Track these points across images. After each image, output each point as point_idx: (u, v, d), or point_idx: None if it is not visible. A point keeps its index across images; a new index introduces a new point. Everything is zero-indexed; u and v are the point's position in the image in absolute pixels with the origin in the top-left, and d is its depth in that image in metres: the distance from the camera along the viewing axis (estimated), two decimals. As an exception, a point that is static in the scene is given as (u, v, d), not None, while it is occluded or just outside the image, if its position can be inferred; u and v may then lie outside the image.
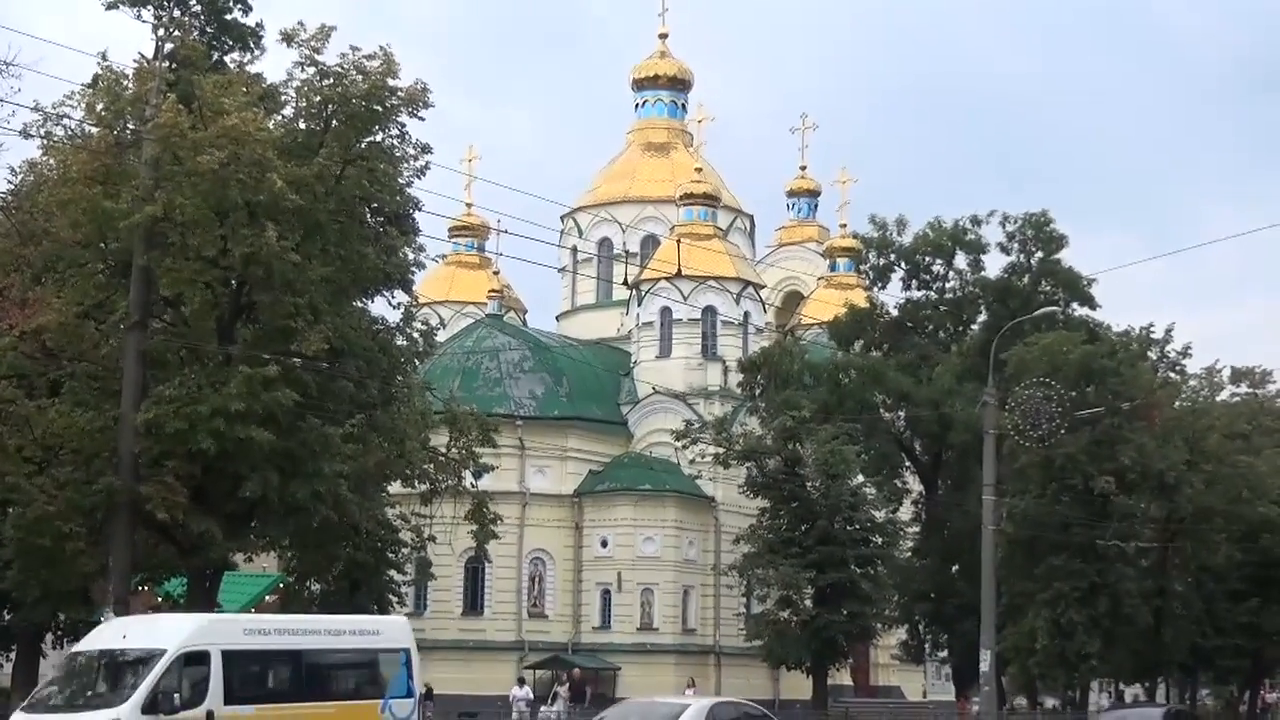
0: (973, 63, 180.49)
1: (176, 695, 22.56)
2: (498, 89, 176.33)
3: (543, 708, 47.02)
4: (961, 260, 59.08)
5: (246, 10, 31.48)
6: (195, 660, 23.13)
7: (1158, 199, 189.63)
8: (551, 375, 70.66)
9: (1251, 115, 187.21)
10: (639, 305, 73.49)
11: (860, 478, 47.46)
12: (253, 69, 30.65)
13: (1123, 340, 54.15)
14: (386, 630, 27.73)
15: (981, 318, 58.73)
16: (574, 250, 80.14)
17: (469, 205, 71.32)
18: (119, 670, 23.27)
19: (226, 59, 30.85)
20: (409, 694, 26.67)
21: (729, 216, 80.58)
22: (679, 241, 68.45)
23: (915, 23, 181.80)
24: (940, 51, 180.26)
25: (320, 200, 27.22)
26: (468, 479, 34.65)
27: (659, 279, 70.42)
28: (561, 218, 78.95)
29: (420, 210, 30.65)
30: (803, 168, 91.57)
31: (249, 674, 24.26)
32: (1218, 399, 59.56)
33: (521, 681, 48.86)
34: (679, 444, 57.93)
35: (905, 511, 56.53)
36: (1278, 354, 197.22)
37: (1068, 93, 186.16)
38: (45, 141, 27.90)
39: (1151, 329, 57.47)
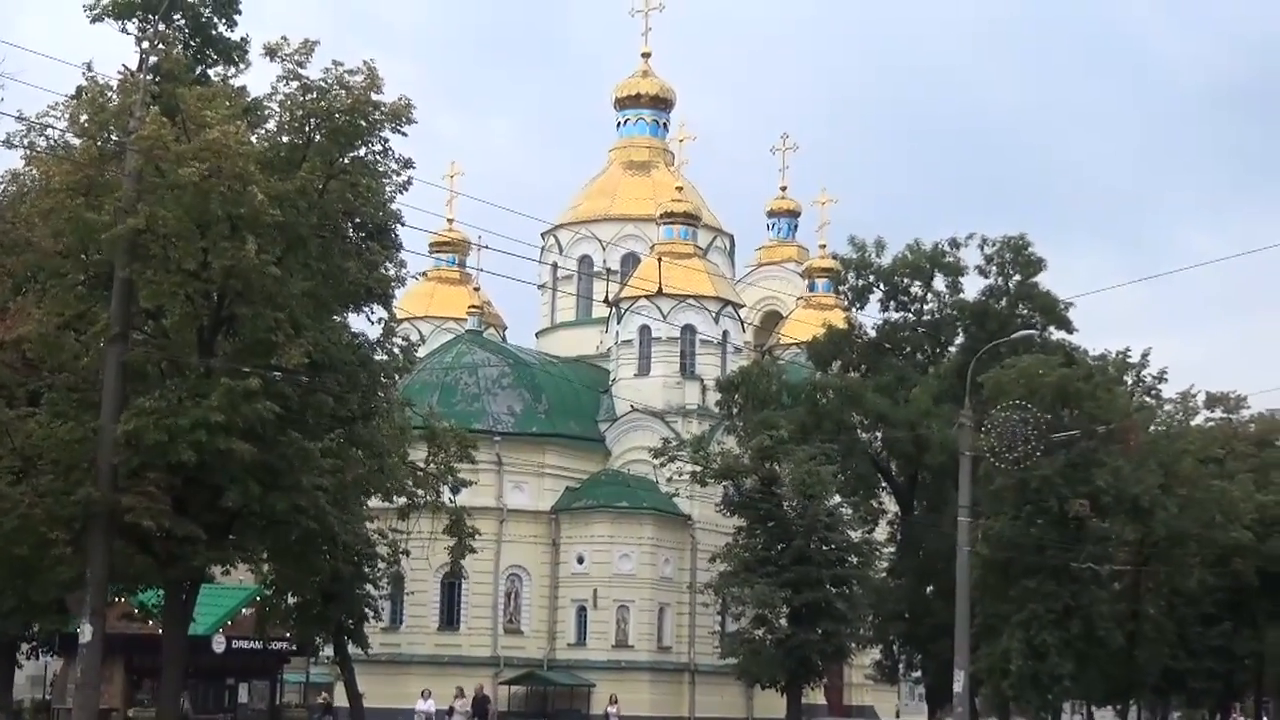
0: (953, 86, 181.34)
1: None
2: (481, 103, 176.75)
3: None
4: (940, 282, 59.21)
5: (231, 25, 31.48)
6: None
7: (1135, 223, 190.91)
8: (530, 392, 70.69)
9: (1229, 141, 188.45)
10: (618, 323, 73.57)
11: (837, 498, 47.56)
12: (236, 83, 30.62)
13: (1099, 364, 54.30)
14: None
15: (959, 340, 58.87)
16: (554, 267, 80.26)
17: (450, 221, 71.55)
18: None
19: (210, 72, 30.84)
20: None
21: (709, 235, 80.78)
22: (659, 260, 68.73)
23: (896, 45, 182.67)
24: (921, 74, 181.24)
25: (302, 214, 27.20)
26: (446, 494, 34.63)
27: (639, 297, 70.70)
28: (542, 234, 79.18)
29: (402, 225, 30.65)
30: (783, 188, 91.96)
31: None
32: (1192, 424, 59.71)
33: (426, 694, 48.75)
34: (656, 462, 57.92)
35: (881, 532, 56.58)
36: (1252, 379, 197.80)
37: (1047, 116, 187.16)
38: (28, 151, 27.85)
39: (1128, 353, 57.63)
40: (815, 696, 57.94)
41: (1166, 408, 59.44)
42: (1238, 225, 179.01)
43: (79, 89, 28.43)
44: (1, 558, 27.48)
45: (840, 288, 62.92)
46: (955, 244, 58.60)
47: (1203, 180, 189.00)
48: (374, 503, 33.45)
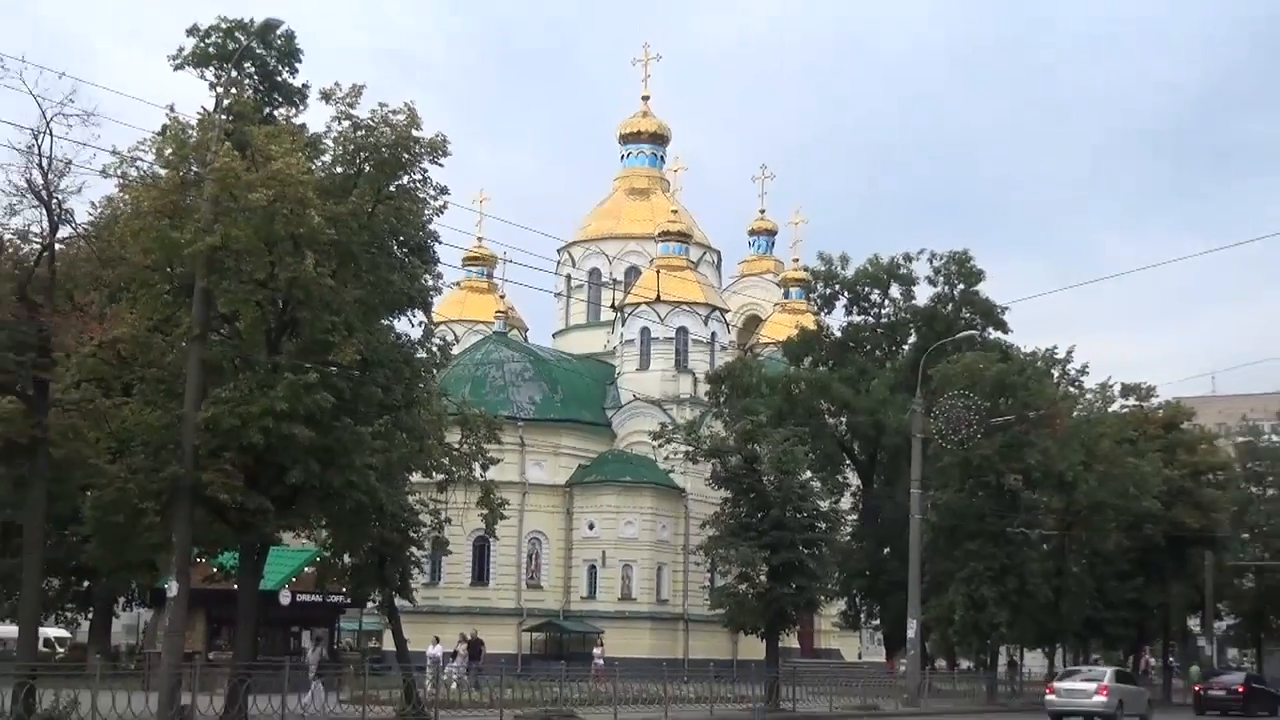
0: (908, 120, 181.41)
1: None
2: (506, 138, 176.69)
3: (451, 664, 46.83)
4: (895, 290, 59.34)
5: (293, 72, 31.38)
6: None
7: (1063, 237, 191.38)
8: (548, 384, 70.63)
9: (1144, 169, 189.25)
10: (622, 325, 73.59)
11: (808, 473, 47.38)
12: (297, 121, 30.52)
13: (1031, 360, 54.33)
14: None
15: (911, 339, 58.92)
16: (568, 278, 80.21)
17: (479, 239, 71.48)
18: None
19: (275, 113, 30.73)
20: None
21: (699, 251, 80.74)
22: (657, 272, 68.71)
23: (860, 87, 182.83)
24: (882, 110, 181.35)
25: (354, 234, 27.13)
26: (477, 471, 34.51)
27: (640, 303, 70.70)
28: (558, 250, 79.00)
29: (439, 242, 30.55)
30: (762, 211, 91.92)
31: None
32: (1109, 410, 59.66)
33: (436, 640, 48.61)
34: (655, 443, 57.71)
35: (845, 502, 56.54)
36: (1161, 372, 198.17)
37: (992, 146, 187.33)
38: (121, 180, 27.77)
39: (1055, 350, 57.74)
40: (790, 641, 57.62)
41: (1088, 397, 59.47)
42: (1151, 240, 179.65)
43: (164, 127, 28.31)
44: (101, 525, 27.46)
45: (810, 295, 62.98)
46: (908, 258, 58.74)
47: (1122, 201, 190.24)
48: (416, 478, 33.36)
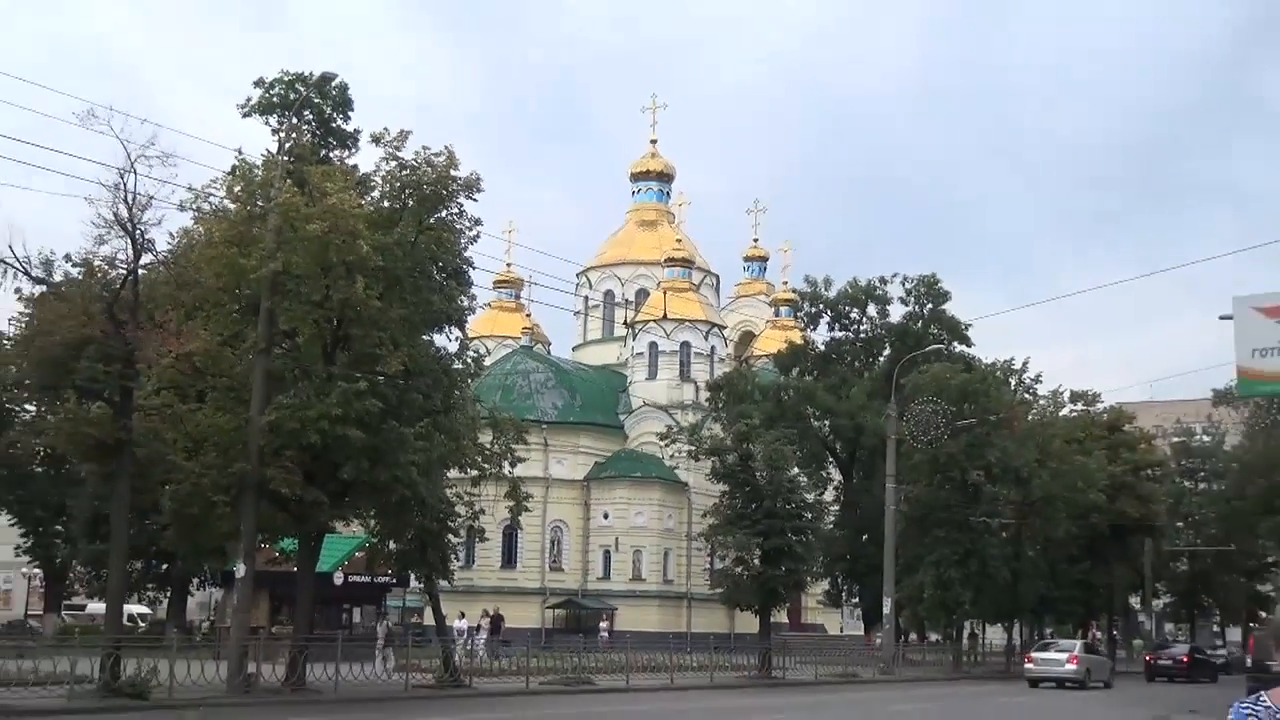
0: (883, 160, 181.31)
1: None
2: (532, 176, 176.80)
3: (478, 637, 46.64)
4: (872, 309, 59.24)
5: (347, 119, 31.47)
6: None
7: (1020, 262, 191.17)
8: (568, 391, 70.61)
9: (1092, 202, 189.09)
10: (633, 340, 73.55)
11: (796, 470, 47.32)
12: (350, 162, 30.60)
13: (991, 370, 54.17)
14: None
15: (886, 352, 58.81)
16: (585, 299, 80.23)
17: (508, 264, 71.66)
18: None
19: (331, 155, 30.81)
20: None
21: (700, 275, 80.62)
22: (664, 294, 68.82)
23: (841, 130, 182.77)
24: (858, 151, 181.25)
25: (399, 260, 27.16)
26: (506, 467, 34.49)
27: (649, 321, 70.75)
28: (577, 274, 79.17)
29: (472, 267, 30.56)
30: (755, 240, 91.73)
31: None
32: (1060, 414, 59.60)
33: (462, 615, 48.46)
34: (662, 443, 57.86)
35: (829, 495, 56.47)
36: (1105, 381, 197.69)
37: (956, 180, 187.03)
38: (196, 213, 27.87)
39: (1012, 362, 57.53)
40: (780, 617, 57.53)
41: (1041, 402, 59.37)
42: (1096, 265, 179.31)
43: (233, 167, 28.43)
44: (178, 515, 27.50)
45: (798, 314, 62.87)
46: (883, 280, 58.69)
47: (1072, 231, 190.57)
48: (453, 474, 33.33)
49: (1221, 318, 24.35)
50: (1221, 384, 64.16)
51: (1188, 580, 72.63)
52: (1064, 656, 41.31)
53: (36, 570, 53.57)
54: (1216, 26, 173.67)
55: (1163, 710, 30.22)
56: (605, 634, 55.55)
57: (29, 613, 58.90)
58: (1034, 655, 43.30)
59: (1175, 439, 75.64)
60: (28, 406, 42.23)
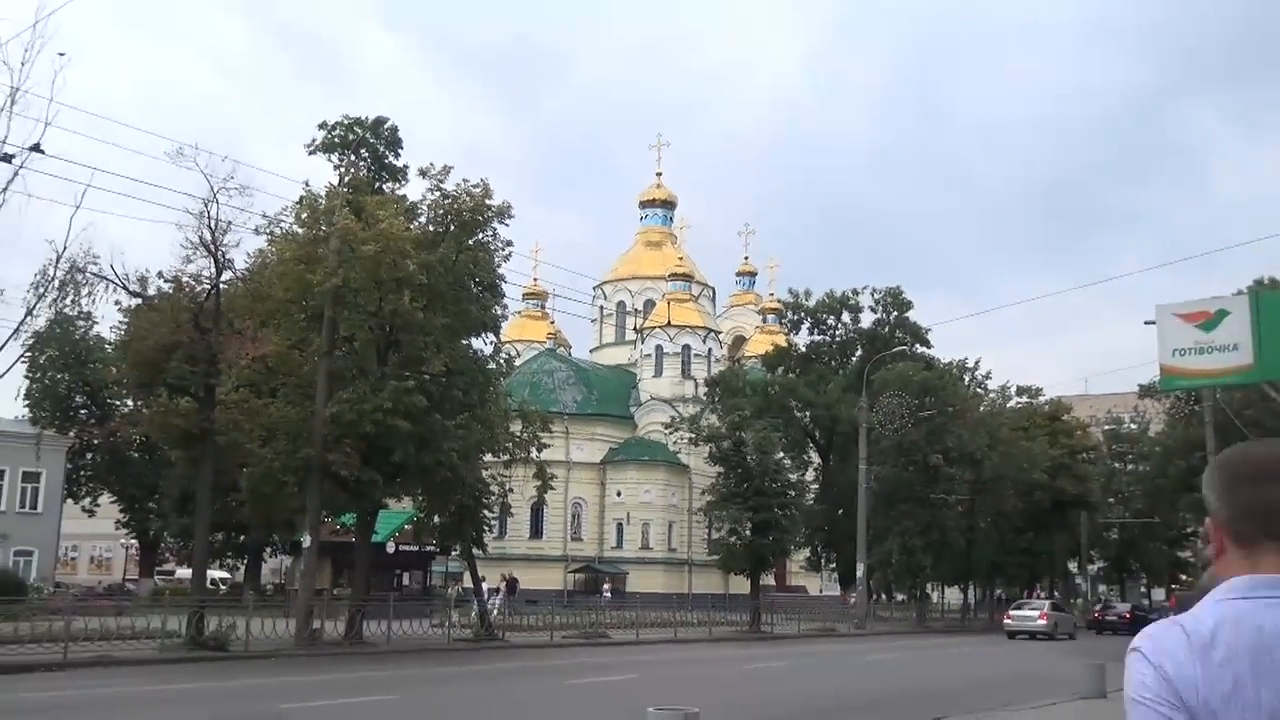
0: (853, 191, 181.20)
1: None
2: (556, 202, 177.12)
3: (494, 598, 46.43)
4: (846, 317, 59.24)
5: (397, 156, 31.57)
6: None
7: (972, 277, 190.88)
8: (586, 387, 70.57)
9: (1033, 227, 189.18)
10: (642, 344, 73.50)
11: (781, 454, 47.23)
12: (400, 192, 30.68)
13: (948, 368, 54.17)
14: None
15: (858, 354, 58.74)
16: (601, 308, 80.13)
17: (535, 279, 71.53)
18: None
19: (383, 186, 30.89)
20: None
21: (699, 288, 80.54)
22: (668, 304, 68.74)
23: (817, 166, 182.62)
24: (833, 184, 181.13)
25: (441, 277, 27.22)
26: (533, 452, 34.48)
27: (655, 327, 70.67)
28: (594, 288, 79.07)
29: (504, 282, 30.62)
30: (745, 258, 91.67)
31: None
32: (1007, 405, 59.51)
33: (483, 578, 48.13)
34: (666, 431, 57.96)
35: (809, 475, 56.41)
36: (1046, 377, 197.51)
37: (916, 209, 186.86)
38: (269, 237, 27.98)
39: (966, 361, 57.66)
40: (768, 580, 57.46)
41: (991, 395, 59.33)
42: (1035, 278, 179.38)
43: (300, 197, 28.51)
44: (253, 494, 27.55)
45: (782, 320, 62.88)
46: (855, 292, 58.67)
47: (1014, 251, 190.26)
48: (488, 458, 33.33)
49: (1146, 323, 24.29)
50: (1147, 379, 63.92)
51: (1118, 548, 72.41)
52: (1036, 613, 42.96)
53: (133, 541, 53.77)
54: (1137, 81, 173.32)
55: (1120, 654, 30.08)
56: (607, 594, 55.36)
57: (126, 577, 59.10)
58: (1012, 613, 44.58)
59: (1107, 427, 75.44)
60: (126, 401, 42.39)
